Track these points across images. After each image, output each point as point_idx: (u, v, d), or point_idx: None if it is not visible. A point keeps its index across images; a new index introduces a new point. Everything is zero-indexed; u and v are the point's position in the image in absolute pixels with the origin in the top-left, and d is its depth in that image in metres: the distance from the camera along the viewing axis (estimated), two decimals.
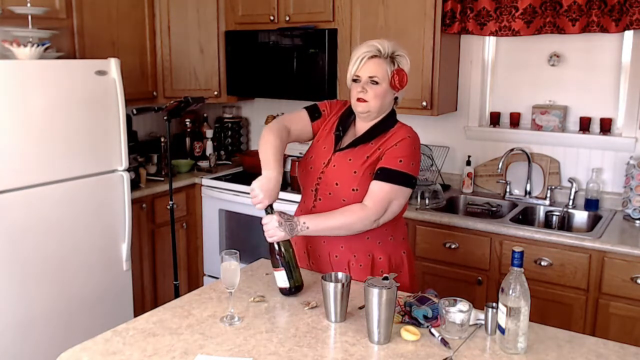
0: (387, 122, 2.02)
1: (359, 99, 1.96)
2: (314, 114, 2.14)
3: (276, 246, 1.86)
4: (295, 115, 2.16)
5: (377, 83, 1.94)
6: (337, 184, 1.97)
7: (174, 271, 3.19)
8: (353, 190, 1.95)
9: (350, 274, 1.97)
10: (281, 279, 1.86)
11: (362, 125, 2.05)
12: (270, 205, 1.89)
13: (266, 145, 1.99)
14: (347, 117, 2.09)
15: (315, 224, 1.89)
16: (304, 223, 1.88)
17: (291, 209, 2.46)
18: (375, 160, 1.96)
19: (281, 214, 1.88)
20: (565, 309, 2.65)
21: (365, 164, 1.96)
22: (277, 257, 1.86)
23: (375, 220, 1.92)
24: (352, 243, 2.00)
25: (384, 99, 1.97)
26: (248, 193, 3.48)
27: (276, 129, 2.04)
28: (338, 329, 1.67)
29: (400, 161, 1.92)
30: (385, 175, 1.91)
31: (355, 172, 1.96)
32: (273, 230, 1.85)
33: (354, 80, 1.98)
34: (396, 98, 2.03)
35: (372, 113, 1.98)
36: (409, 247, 2.16)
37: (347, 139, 2.06)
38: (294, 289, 1.87)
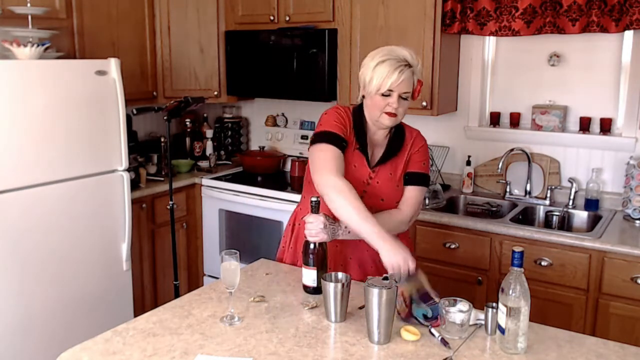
0: (399, 129, 2.05)
1: (388, 113, 1.91)
2: (341, 144, 1.94)
3: (312, 246, 1.86)
4: (333, 159, 1.91)
5: (406, 99, 1.92)
6: (382, 200, 2.00)
7: (174, 271, 3.19)
8: (397, 202, 2.02)
9: (365, 270, 2.03)
10: (310, 277, 1.88)
11: (378, 133, 2.03)
12: (318, 204, 1.86)
13: (352, 208, 1.78)
14: (361, 126, 2.01)
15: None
16: (346, 227, 1.87)
17: (291, 209, 2.46)
18: (406, 168, 2.05)
19: (326, 216, 1.86)
20: (565, 309, 2.65)
21: (401, 175, 2.04)
22: (312, 255, 1.86)
23: (409, 221, 2.02)
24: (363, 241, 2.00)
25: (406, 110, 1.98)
26: (248, 193, 3.52)
27: (346, 190, 1.82)
28: (338, 329, 1.67)
29: (424, 164, 2.05)
30: (416, 179, 2.03)
31: (397, 186, 2.03)
32: (316, 231, 1.84)
33: (384, 94, 1.89)
34: None
35: (395, 125, 2.00)
36: (411, 241, 2.21)
37: (370, 150, 2.03)
38: (319, 290, 1.86)
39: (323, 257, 1.88)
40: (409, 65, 1.88)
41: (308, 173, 2.05)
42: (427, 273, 2.94)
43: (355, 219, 1.77)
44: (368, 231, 1.75)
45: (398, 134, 2.05)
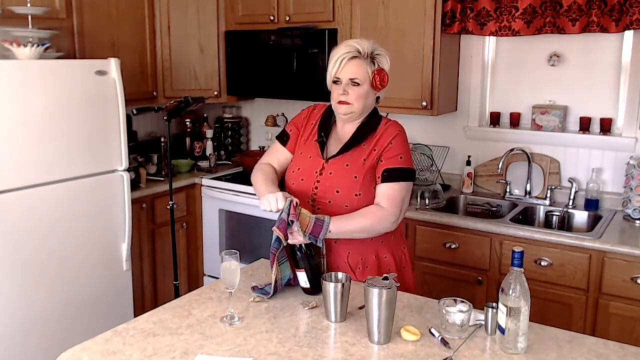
0: (373, 121, 2.01)
1: (340, 102, 1.96)
2: (282, 138, 2.17)
3: (294, 248, 1.87)
4: (271, 149, 2.21)
5: (358, 84, 1.94)
6: (338, 192, 1.96)
7: (174, 271, 3.19)
8: (356, 195, 1.95)
9: (359, 279, 1.99)
10: (302, 279, 1.88)
11: (345, 127, 2.04)
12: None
13: (255, 182, 2.07)
14: (327, 121, 2.07)
15: (336, 226, 1.88)
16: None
17: None
18: (373, 162, 1.96)
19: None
20: (565, 309, 2.65)
21: (364, 167, 1.96)
22: (297, 258, 1.87)
23: (395, 220, 1.94)
24: (358, 246, 2.00)
25: (365, 100, 1.97)
26: (248, 193, 3.51)
27: (259, 169, 2.13)
28: (338, 329, 1.67)
29: (401, 158, 1.95)
30: (393, 175, 1.94)
31: (355, 177, 1.95)
32: (296, 233, 1.85)
33: (335, 82, 1.98)
34: (378, 97, 2.04)
35: (354, 114, 1.98)
36: (408, 243, 2.17)
37: (333, 144, 2.04)
38: (316, 289, 1.87)
39: (309, 257, 1.87)
40: (358, 54, 1.93)
41: None
42: (427, 273, 2.98)
43: (254, 187, 2.06)
44: (255, 191, 2.04)
45: (367, 127, 2.00)
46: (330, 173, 1.98)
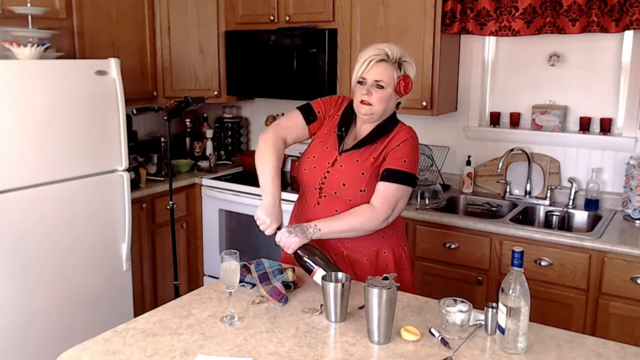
0: (390, 123, 2.04)
1: (362, 102, 1.98)
2: (309, 116, 2.13)
3: (299, 254, 1.88)
4: (290, 121, 2.14)
5: (382, 87, 1.96)
6: (344, 185, 2.00)
7: (174, 271, 3.19)
8: (360, 191, 1.98)
9: (356, 270, 2.02)
10: (319, 280, 1.83)
11: (363, 127, 2.07)
12: (279, 227, 1.94)
13: (264, 165, 2.02)
14: (349, 116, 2.10)
15: (326, 226, 1.93)
16: (315, 226, 1.92)
17: (291, 209, 2.46)
18: (380, 161, 2.00)
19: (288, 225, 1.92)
20: (565, 309, 2.65)
21: (372, 166, 1.99)
22: (305, 261, 1.86)
23: (385, 219, 1.96)
24: (357, 239, 2.03)
25: (387, 103, 1.99)
26: (248, 193, 3.52)
27: (273, 144, 2.05)
28: (338, 329, 1.67)
29: (405, 161, 1.97)
30: (392, 175, 1.96)
31: (363, 174, 1.99)
32: (287, 241, 1.88)
33: (360, 82, 1.99)
34: (399, 103, 2.05)
35: (374, 116, 2.01)
36: (407, 240, 2.22)
37: (350, 139, 2.08)
38: None
39: (319, 257, 1.86)
40: (386, 57, 1.95)
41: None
42: (427, 273, 2.98)
43: (258, 169, 2.03)
44: (260, 179, 2.01)
45: (383, 128, 2.03)
46: (341, 166, 2.02)
